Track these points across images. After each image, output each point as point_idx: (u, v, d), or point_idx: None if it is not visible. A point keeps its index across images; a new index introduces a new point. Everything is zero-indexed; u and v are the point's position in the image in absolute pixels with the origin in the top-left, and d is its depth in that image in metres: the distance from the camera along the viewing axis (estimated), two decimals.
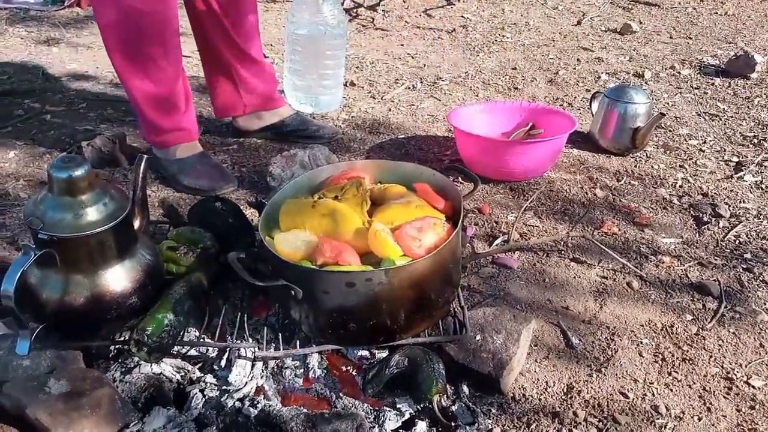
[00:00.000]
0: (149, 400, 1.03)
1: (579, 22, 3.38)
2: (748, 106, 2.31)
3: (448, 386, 1.07)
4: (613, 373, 1.16)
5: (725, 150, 2.00)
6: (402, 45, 3.06)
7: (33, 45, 2.94)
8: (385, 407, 1.04)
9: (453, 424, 1.01)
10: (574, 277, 1.42)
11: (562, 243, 1.53)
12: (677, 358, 1.19)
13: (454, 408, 1.05)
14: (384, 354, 1.13)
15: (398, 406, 1.05)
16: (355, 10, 3.49)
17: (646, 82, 2.56)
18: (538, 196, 1.73)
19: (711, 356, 1.20)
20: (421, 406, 1.05)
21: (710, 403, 1.10)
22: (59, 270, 1.02)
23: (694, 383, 1.14)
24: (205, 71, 1.90)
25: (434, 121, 2.22)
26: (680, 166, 1.90)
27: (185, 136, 1.72)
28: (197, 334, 1.16)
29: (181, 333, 1.10)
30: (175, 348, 1.11)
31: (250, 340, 1.14)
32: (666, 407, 1.09)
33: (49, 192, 1.02)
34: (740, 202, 1.70)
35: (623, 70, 2.70)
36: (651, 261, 1.47)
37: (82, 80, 2.53)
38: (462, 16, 3.49)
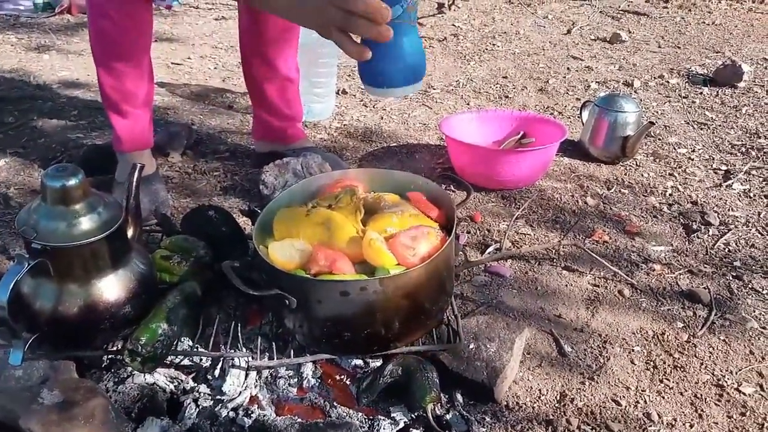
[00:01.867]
0: (142, 411, 1.03)
1: (569, 32, 3.41)
2: (736, 115, 2.34)
3: (442, 395, 1.08)
4: (606, 381, 1.17)
5: (714, 158, 2.02)
6: None
7: (24, 52, 2.93)
8: (379, 416, 1.04)
9: None
10: (566, 286, 1.43)
11: (553, 251, 1.54)
12: (669, 365, 1.20)
13: (448, 416, 1.05)
14: (378, 363, 1.13)
15: (392, 415, 1.05)
16: None
17: (635, 91, 2.59)
18: (530, 204, 1.74)
19: (702, 363, 1.21)
20: (416, 414, 1.05)
21: (702, 410, 1.11)
22: (52, 279, 1.02)
23: (686, 390, 1.15)
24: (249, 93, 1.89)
25: (426, 129, 2.23)
26: (670, 175, 1.92)
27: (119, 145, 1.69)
28: (191, 343, 1.16)
29: (175, 342, 1.10)
30: (169, 357, 1.11)
31: (244, 349, 1.14)
32: (658, 414, 1.10)
33: (43, 201, 1.01)
34: (729, 210, 1.72)
35: (613, 79, 2.73)
36: (642, 269, 1.48)
37: (73, 88, 2.52)
38: (453, 25, 3.51)
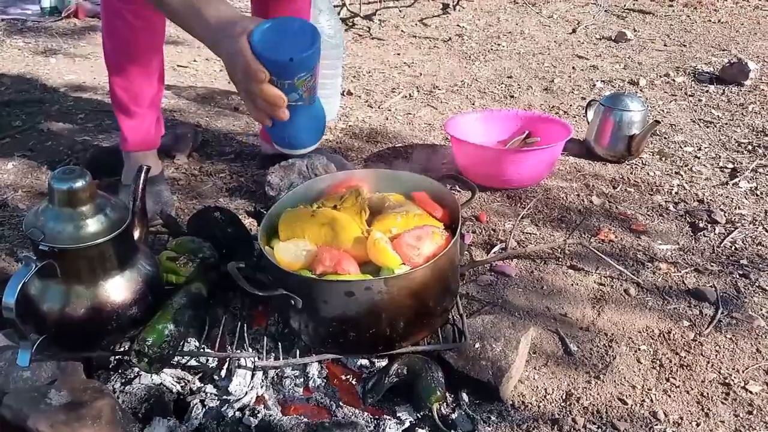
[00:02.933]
0: (149, 411, 1.03)
1: (574, 31, 3.40)
2: (742, 113, 2.33)
3: (447, 394, 1.08)
4: (612, 380, 1.16)
5: (720, 157, 2.01)
6: (398, 54, 3.07)
7: (30, 56, 2.95)
8: (385, 416, 1.05)
9: None
10: (572, 285, 1.43)
11: (559, 250, 1.54)
12: (675, 364, 1.20)
13: (453, 416, 1.05)
14: (383, 363, 1.13)
15: (398, 414, 1.05)
16: (351, 20, 3.51)
17: (641, 90, 2.58)
18: (535, 203, 1.74)
19: (708, 362, 1.21)
20: (421, 414, 1.05)
21: (708, 409, 1.10)
22: (60, 281, 1.03)
23: (692, 389, 1.15)
24: None
25: (431, 129, 2.23)
26: (676, 173, 1.91)
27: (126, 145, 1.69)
28: (197, 344, 1.16)
29: (181, 343, 1.10)
30: (175, 358, 1.11)
31: (250, 349, 1.14)
32: (664, 413, 1.09)
33: (50, 203, 1.02)
34: (736, 208, 1.71)
35: (618, 77, 2.72)
36: (648, 268, 1.48)
37: (80, 91, 2.53)
38: (458, 25, 3.51)
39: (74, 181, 1.01)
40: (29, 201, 1.73)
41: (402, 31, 3.39)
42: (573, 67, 2.86)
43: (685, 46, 3.14)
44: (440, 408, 1.04)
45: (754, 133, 2.17)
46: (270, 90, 0.93)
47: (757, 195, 1.78)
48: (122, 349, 1.13)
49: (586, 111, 2.11)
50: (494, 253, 1.53)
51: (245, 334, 1.16)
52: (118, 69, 1.59)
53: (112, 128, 2.19)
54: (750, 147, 2.07)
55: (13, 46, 3.07)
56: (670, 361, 1.21)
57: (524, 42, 3.24)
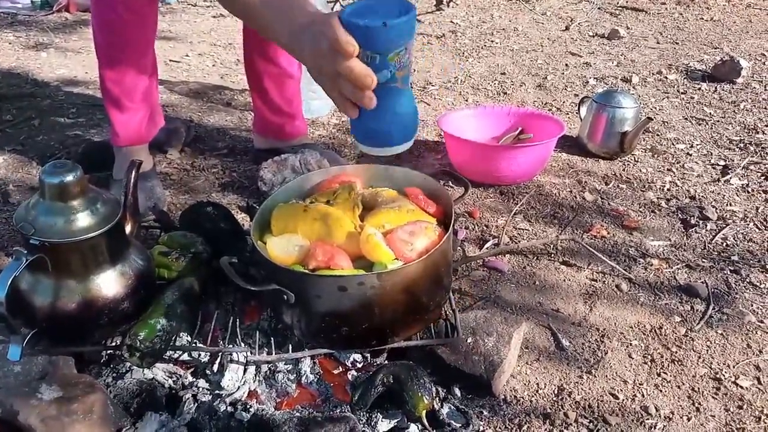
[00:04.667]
0: (141, 405, 1.03)
1: (567, 28, 3.41)
2: (734, 111, 2.34)
3: (439, 389, 1.08)
4: (603, 375, 1.17)
5: (712, 154, 2.02)
6: None
7: (21, 50, 2.93)
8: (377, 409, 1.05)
9: (445, 429, 1.02)
10: (564, 280, 1.43)
11: (551, 246, 1.54)
12: (666, 359, 1.21)
13: (445, 411, 1.05)
14: (377, 359, 1.13)
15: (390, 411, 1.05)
16: None
17: (633, 87, 2.59)
18: (528, 200, 1.75)
19: (699, 357, 1.21)
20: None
21: (699, 404, 1.11)
22: (51, 275, 1.02)
23: (683, 384, 1.15)
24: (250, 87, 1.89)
25: (424, 126, 2.23)
26: (668, 170, 1.92)
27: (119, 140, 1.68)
28: (189, 338, 1.16)
29: (174, 338, 1.10)
30: (168, 353, 1.11)
31: (243, 344, 1.14)
32: (656, 408, 1.10)
33: (41, 197, 1.01)
34: (727, 205, 1.72)
35: (611, 75, 2.73)
36: (640, 264, 1.48)
37: (72, 85, 2.52)
38: (451, 22, 3.51)
39: (65, 175, 1.00)
40: (20, 195, 1.72)
41: None
42: (566, 64, 2.86)
43: (677, 43, 3.15)
44: (428, 414, 1.02)
45: (746, 130, 2.18)
46: (359, 67, 0.83)
47: (749, 192, 1.79)
48: (114, 344, 1.12)
49: (578, 108, 2.12)
50: (487, 248, 1.54)
51: (237, 329, 1.16)
52: (110, 63, 1.58)
53: (103, 123, 2.18)
54: (741, 144, 2.08)
55: (3, 39, 3.05)
56: (662, 356, 1.21)
57: (518, 39, 3.25)
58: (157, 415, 1.01)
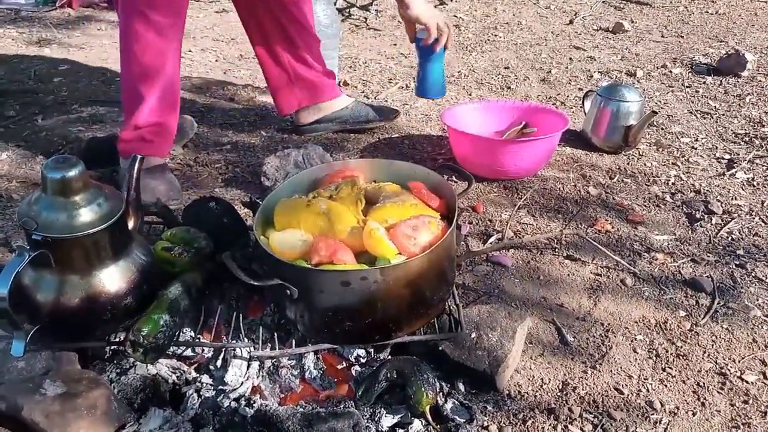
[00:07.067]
0: (145, 401, 1.03)
1: (571, 22, 3.39)
2: (739, 104, 2.33)
3: (443, 385, 1.08)
4: (608, 370, 1.16)
5: (717, 147, 2.01)
6: (395, 45, 3.06)
7: (24, 46, 2.93)
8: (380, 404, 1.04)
9: (449, 424, 1.01)
10: (568, 275, 1.42)
11: (555, 241, 1.53)
12: (671, 354, 1.20)
13: (449, 406, 1.05)
14: (380, 354, 1.13)
15: (394, 406, 1.05)
16: (347, 10, 3.49)
17: (638, 81, 2.58)
18: (532, 194, 1.74)
19: (705, 352, 1.21)
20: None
21: (704, 398, 1.11)
22: (54, 271, 1.02)
23: (688, 379, 1.15)
24: (263, 69, 1.97)
25: (428, 120, 2.23)
26: (673, 164, 1.91)
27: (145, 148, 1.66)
28: (192, 334, 1.16)
29: (177, 333, 1.10)
30: (171, 348, 1.11)
31: (246, 339, 1.14)
32: (660, 403, 1.09)
33: (43, 193, 1.01)
34: (732, 199, 1.71)
35: (615, 68, 2.72)
36: (644, 258, 1.47)
37: (74, 81, 2.52)
38: (455, 16, 3.50)
39: (68, 170, 1.00)
40: (23, 191, 1.72)
41: (399, 21, 3.37)
42: (570, 58, 2.85)
43: (682, 37, 3.13)
44: (432, 409, 1.02)
45: (751, 124, 2.17)
46: None
47: (754, 186, 1.78)
48: (117, 339, 1.12)
49: (583, 102, 2.10)
50: (491, 243, 1.53)
51: (241, 324, 1.16)
52: (142, 97, 1.60)
53: (106, 118, 2.18)
54: (747, 138, 2.06)
55: (6, 36, 3.05)
56: (667, 351, 1.21)
57: (521, 33, 3.23)
58: (160, 411, 1.01)
